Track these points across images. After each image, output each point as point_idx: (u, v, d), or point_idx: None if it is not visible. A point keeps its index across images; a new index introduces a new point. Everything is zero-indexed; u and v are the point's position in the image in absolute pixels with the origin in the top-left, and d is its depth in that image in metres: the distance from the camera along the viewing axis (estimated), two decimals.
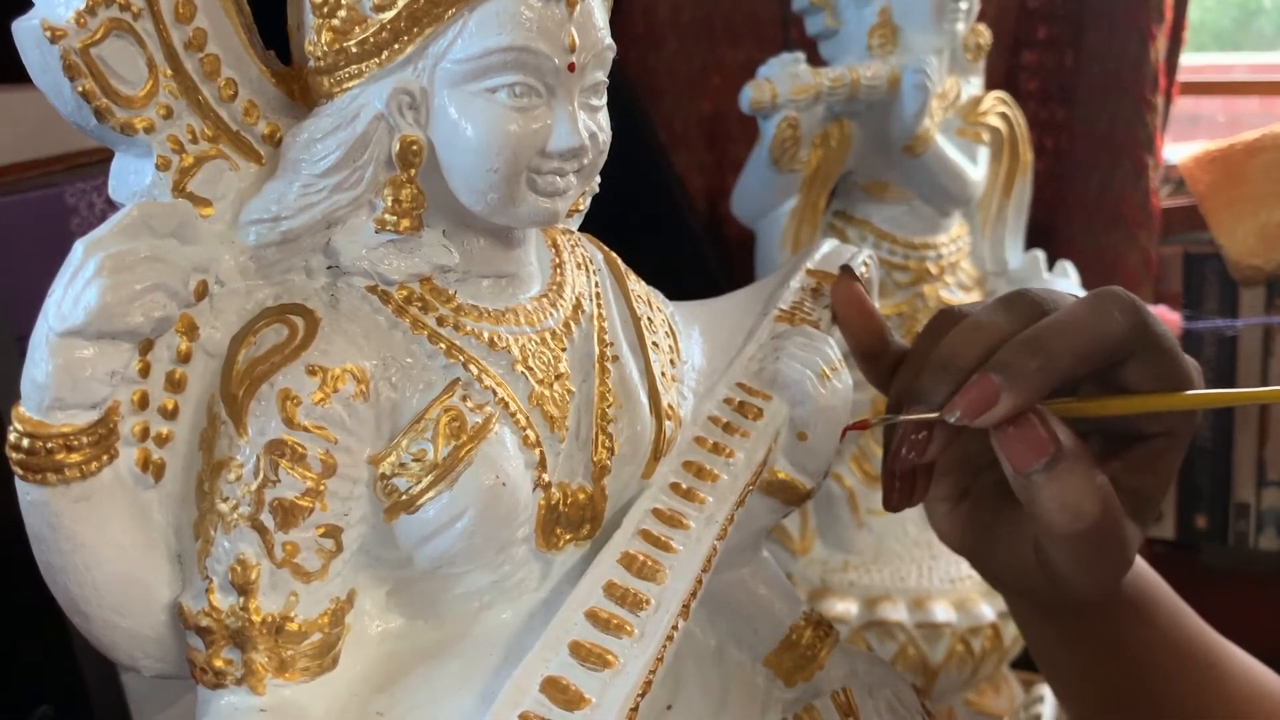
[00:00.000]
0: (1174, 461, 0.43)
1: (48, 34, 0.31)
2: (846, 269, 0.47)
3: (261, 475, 0.34)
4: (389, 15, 0.34)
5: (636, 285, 0.44)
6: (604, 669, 0.35)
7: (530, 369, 0.38)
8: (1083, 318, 0.40)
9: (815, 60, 0.87)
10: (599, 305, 0.42)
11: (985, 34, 0.89)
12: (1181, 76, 1.18)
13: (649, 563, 0.38)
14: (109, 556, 0.34)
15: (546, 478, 0.38)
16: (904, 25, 0.85)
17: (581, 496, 0.39)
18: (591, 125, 0.37)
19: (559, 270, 0.41)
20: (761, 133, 0.84)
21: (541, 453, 0.38)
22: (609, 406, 0.40)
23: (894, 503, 0.44)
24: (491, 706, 0.33)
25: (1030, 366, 0.39)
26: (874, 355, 0.46)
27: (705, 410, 0.43)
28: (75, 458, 0.32)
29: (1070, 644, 0.50)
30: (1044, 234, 1.09)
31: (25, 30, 0.32)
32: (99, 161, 0.77)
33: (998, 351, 0.40)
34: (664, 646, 0.36)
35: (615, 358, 0.41)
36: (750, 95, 0.81)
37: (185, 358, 0.35)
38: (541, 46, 0.35)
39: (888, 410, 0.45)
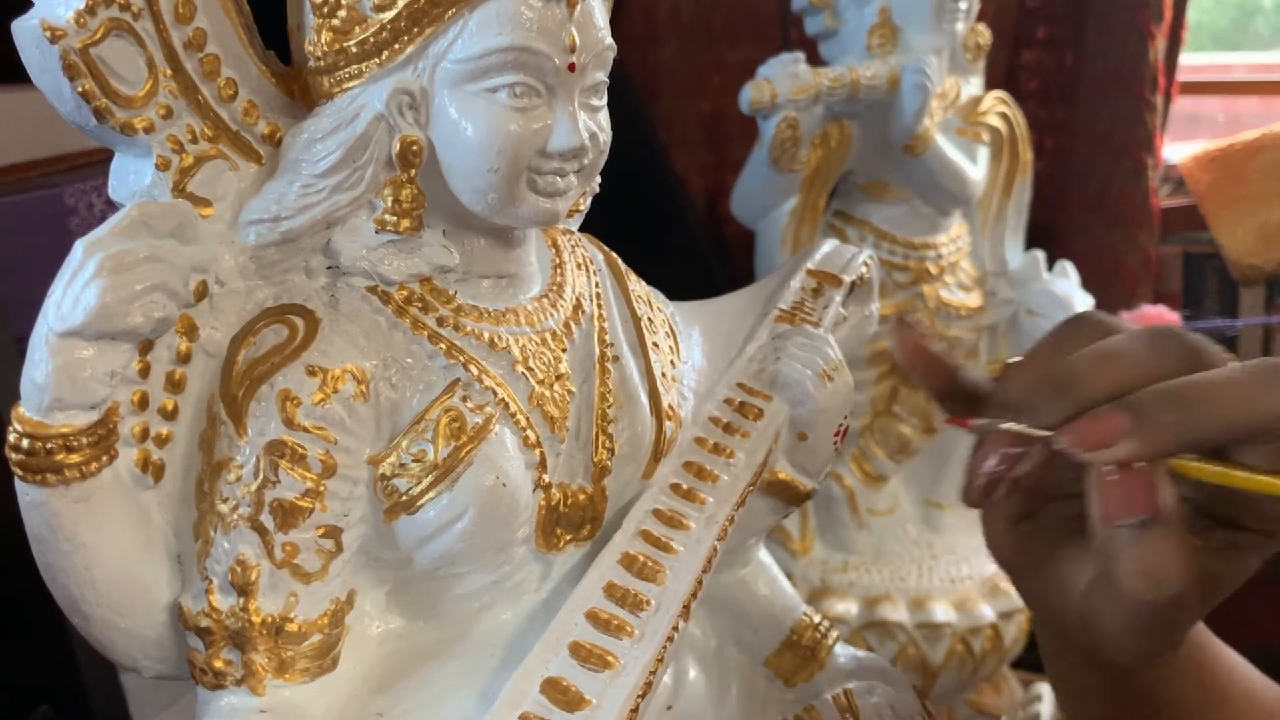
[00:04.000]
0: (1256, 562, 0.40)
1: (47, 34, 0.31)
2: (902, 320, 0.44)
3: (261, 476, 0.34)
4: (389, 15, 0.34)
5: (637, 285, 0.44)
6: (604, 670, 0.35)
7: (530, 369, 0.38)
8: (1243, 386, 0.36)
9: (815, 60, 0.86)
10: (599, 305, 0.42)
11: (985, 34, 0.89)
12: (1181, 76, 1.18)
13: (649, 563, 0.38)
14: (108, 557, 0.34)
15: (547, 478, 0.38)
16: (904, 25, 0.85)
17: (582, 497, 0.39)
18: (592, 125, 0.37)
19: (559, 270, 0.41)
20: (761, 133, 0.84)
21: (542, 453, 0.38)
22: (609, 407, 0.40)
23: (972, 499, 0.42)
24: (491, 707, 0.33)
25: (1167, 419, 0.36)
26: (948, 395, 0.43)
27: (706, 411, 0.43)
28: (75, 458, 0.32)
29: (1087, 666, 0.48)
30: (1044, 234, 1.09)
31: (25, 30, 0.32)
32: (99, 161, 0.77)
33: (1137, 392, 0.36)
34: (664, 647, 0.36)
35: (616, 358, 0.41)
36: (750, 95, 0.81)
37: (185, 358, 0.35)
38: (542, 46, 0.35)
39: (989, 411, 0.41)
